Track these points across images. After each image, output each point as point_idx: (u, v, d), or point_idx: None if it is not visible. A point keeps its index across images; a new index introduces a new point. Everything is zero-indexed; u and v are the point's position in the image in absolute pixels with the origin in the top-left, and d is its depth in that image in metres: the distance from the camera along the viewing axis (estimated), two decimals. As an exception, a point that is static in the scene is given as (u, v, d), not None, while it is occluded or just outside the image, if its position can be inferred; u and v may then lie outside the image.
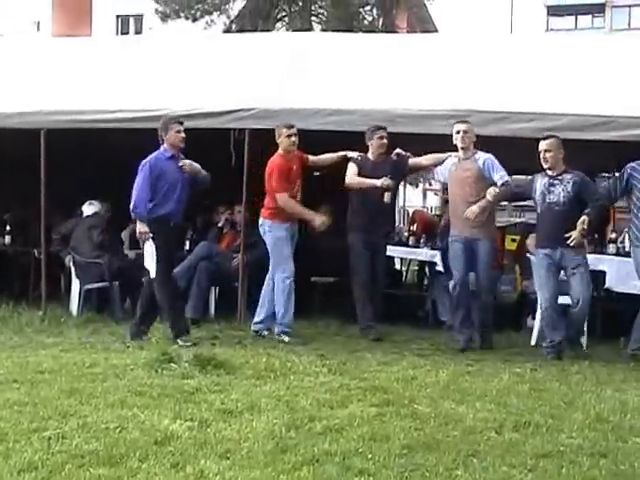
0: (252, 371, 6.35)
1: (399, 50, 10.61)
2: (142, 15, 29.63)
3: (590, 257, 8.08)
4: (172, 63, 10.36)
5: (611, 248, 8.73)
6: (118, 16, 32.07)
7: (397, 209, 17.20)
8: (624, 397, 5.82)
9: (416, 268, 12.25)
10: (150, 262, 7.57)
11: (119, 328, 8.32)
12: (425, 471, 4.14)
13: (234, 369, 6.33)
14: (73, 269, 9.29)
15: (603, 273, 8.28)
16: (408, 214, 22.04)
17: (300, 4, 23.59)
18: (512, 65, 9.54)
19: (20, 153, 8.97)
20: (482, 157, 7.86)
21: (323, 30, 21.80)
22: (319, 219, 8.07)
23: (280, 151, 8.15)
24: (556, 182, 7.51)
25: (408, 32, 24.38)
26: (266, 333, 8.11)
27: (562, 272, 7.59)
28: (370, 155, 8.37)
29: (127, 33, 31.02)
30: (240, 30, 21.10)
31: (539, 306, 7.71)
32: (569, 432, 4.88)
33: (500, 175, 7.76)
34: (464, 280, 7.84)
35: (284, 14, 24.12)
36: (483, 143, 8.06)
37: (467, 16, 39.71)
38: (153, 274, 7.58)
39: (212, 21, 23.70)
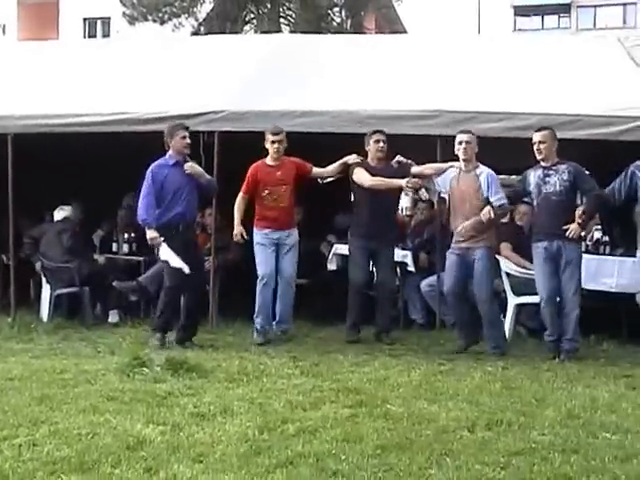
0: (224, 374, 6.34)
1: (368, 51, 10.67)
2: (109, 18, 29.43)
3: None
4: (140, 66, 10.34)
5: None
6: (85, 19, 31.81)
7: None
8: (594, 393, 5.87)
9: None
10: (176, 261, 7.53)
11: (90, 334, 8.28)
12: (399, 471, 4.16)
13: (206, 372, 6.32)
14: (43, 274, 9.21)
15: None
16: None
17: (268, 6, 23.55)
18: (480, 65, 9.63)
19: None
20: (484, 172, 7.69)
21: (292, 32, 21.80)
22: (236, 231, 8.04)
23: (267, 159, 8.20)
24: (551, 172, 7.45)
25: (377, 33, 24.44)
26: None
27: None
28: (370, 161, 8.22)
29: (94, 36, 30.82)
30: (208, 33, 21.05)
31: (542, 300, 7.48)
32: (541, 429, 4.92)
33: (498, 197, 7.62)
34: (454, 290, 7.68)
35: (252, 16, 24.08)
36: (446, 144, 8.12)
37: (435, 17, 40.00)
38: (186, 269, 7.53)
39: (180, 24, 23.59)
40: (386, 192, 8.02)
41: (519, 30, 45.78)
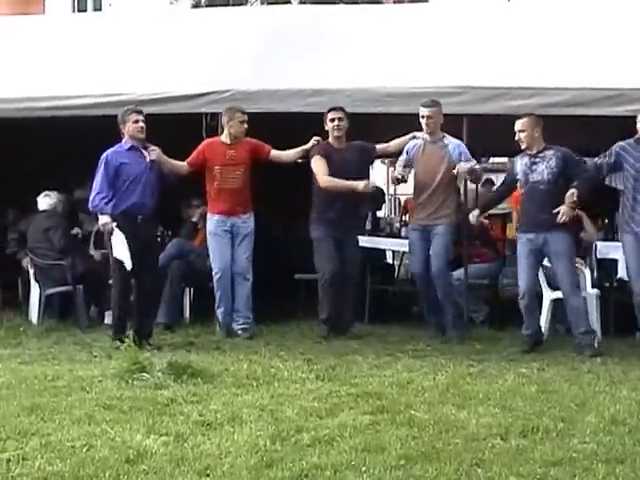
0: (232, 379, 6.35)
1: (385, 23, 10.62)
2: (101, -10, 29.45)
3: (601, 245, 8.11)
4: (136, 42, 10.33)
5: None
6: (74, -8, 31.83)
7: (387, 197, 17.24)
8: (641, 397, 5.84)
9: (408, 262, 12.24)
10: (123, 252, 7.57)
11: (84, 337, 8.31)
12: (425, 483, 4.15)
13: (212, 377, 6.33)
14: (32, 272, 9.23)
15: (615, 262, 8.32)
16: (400, 203, 22.00)
17: (276, -25, 23.50)
18: (509, 36, 9.55)
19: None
20: (452, 143, 8.10)
21: (301, 3, 21.73)
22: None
23: (223, 136, 8.38)
24: (538, 160, 7.69)
25: (395, 2, 24.31)
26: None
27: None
28: (331, 141, 8.36)
29: (84, 11, 30.74)
30: (210, 5, 21.00)
31: (520, 293, 7.79)
32: (582, 437, 4.88)
33: (470, 164, 8.06)
34: (421, 271, 8.13)
35: (259, -14, 24.04)
36: (478, 122, 8.09)
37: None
38: (129, 264, 7.60)
39: (179, -5, 23.61)
40: (347, 175, 8.14)
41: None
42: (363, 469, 4.31)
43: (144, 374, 6.30)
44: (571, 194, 7.48)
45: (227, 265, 8.32)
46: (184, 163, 8.38)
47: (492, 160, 21.58)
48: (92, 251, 9.58)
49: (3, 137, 8.74)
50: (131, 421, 5.15)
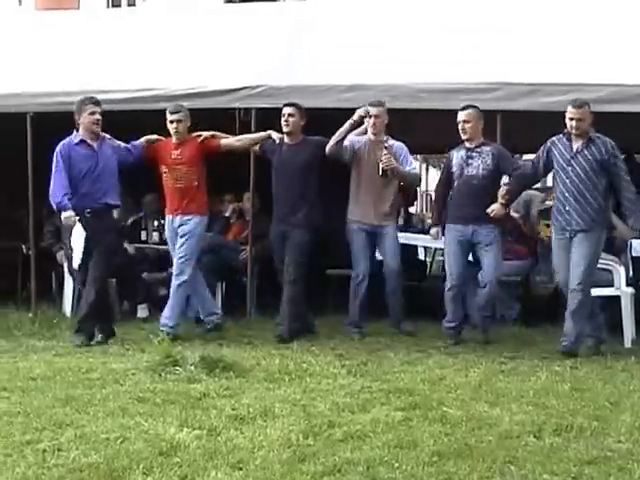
0: (264, 373, 6.37)
1: (420, 16, 10.55)
2: (135, -15, 29.58)
3: (636, 243, 8.06)
4: (170, 38, 10.34)
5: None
6: (109, -14, 32.01)
7: (420, 194, 17.14)
8: (677, 396, 5.79)
9: (441, 258, 12.20)
10: (77, 249, 7.69)
11: (117, 329, 8.32)
12: (458, 480, 4.14)
13: (244, 371, 6.36)
14: (66, 265, 9.28)
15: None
16: (431, 199, 21.87)
17: (307, -31, 23.45)
18: (546, 32, 9.45)
19: (2, 140, 8.95)
20: (395, 144, 8.20)
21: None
22: None
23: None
24: (474, 154, 7.84)
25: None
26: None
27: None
28: (286, 135, 8.30)
29: (119, 5, 30.88)
30: (243, 0, 21.01)
31: (447, 284, 7.97)
32: (616, 436, 4.86)
33: (411, 168, 8.42)
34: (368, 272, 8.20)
35: (290, -20, 24.00)
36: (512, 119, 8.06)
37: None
38: (76, 262, 7.72)
39: (212, -10, 23.58)
40: (295, 170, 8.12)
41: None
42: (396, 465, 4.31)
43: (177, 368, 6.35)
44: (502, 192, 7.68)
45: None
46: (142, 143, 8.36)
47: (524, 158, 21.41)
48: (125, 245, 9.60)
49: (40, 131, 8.80)
50: (164, 414, 5.18)
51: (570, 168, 7.38)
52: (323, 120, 8.17)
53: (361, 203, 8.21)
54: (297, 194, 8.12)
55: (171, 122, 8.15)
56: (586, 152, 7.37)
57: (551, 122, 7.74)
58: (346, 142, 8.15)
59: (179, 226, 8.18)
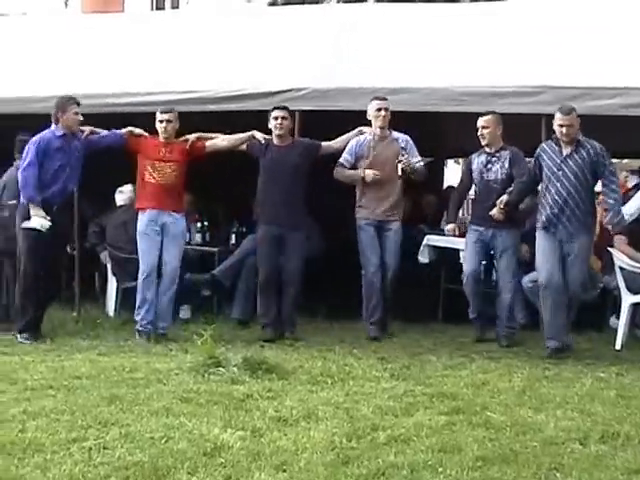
0: (307, 376, 6.38)
1: (463, 21, 10.52)
2: (179, -11, 29.75)
3: None
4: (213, 40, 10.39)
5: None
6: (153, -10, 32.24)
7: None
8: None
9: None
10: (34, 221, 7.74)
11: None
12: (503, 486, 4.11)
13: (287, 374, 6.37)
14: (109, 266, 9.35)
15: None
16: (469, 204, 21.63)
17: (351, -27, 23.46)
18: (589, 33, 9.37)
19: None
20: (400, 137, 8.23)
21: (377, 1, 21.66)
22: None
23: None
24: (494, 159, 7.97)
25: (472, 1, 24.11)
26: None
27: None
28: (274, 138, 8.33)
29: (162, 9, 31.07)
30: (287, 3, 21.05)
31: (464, 277, 8.12)
32: (664, 445, 4.80)
33: (417, 160, 8.25)
34: (376, 270, 8.18)
35: (334, -16, 24.01)
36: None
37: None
38: (42, 225, 7.74)
39: (256, -6, 23.65)
40: (287, 172, 8.14)
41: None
42: (440, 469, 4.29)
43: (220, 369, 6.37)
44: (501, 201, 7.79)
45: (155, 266, 8.22)
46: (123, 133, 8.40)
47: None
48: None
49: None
50: (208, 415, 5.20)
51: (561, 172, 7.48)
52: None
53: (367, 199, 8.23)
54: (290, 195, 8.16)
55: (160, 122, 8.22)
56: (576, 156, 7.49)
57: (596, 125, 7.68)
58: (349, 156, 8.25)
59: (164, 223, 8.18)
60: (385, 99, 8.16)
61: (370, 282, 8.19)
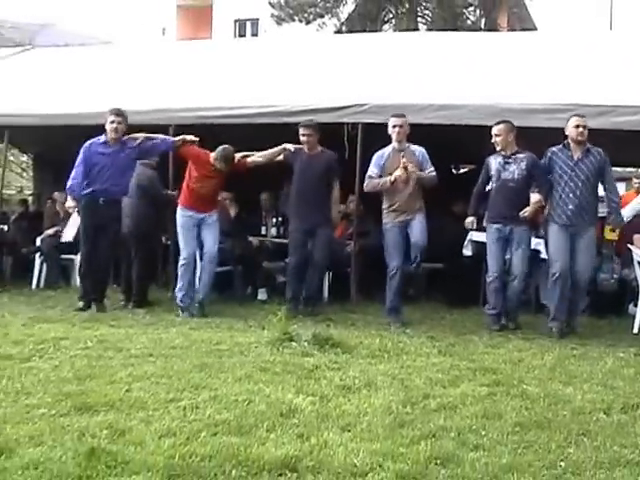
0: (367, 351, 6.34)
1: (501, 47, 10.46)
2: (258, 19, 29.84)
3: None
4: (287, 63, 10.47)
5: None
6: (236, 20, 32.42)
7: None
8: None
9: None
10: (70, 230, 7.85)
11: (241, 309, 8.43)
12: (538, 448, 4.05)
13: (350, 348, 6.34)
14: (198, 253, 9.41)
15: None
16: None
17: (406, 6, 23.37)
18: (613, 60, 9.27)
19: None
20: (417, 149, 7.95)
21: (428, 30, 21.57)
22: None
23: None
24: (510, 161, 7.71)
25: (508, 31, 23.92)
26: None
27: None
28: (305, 148, 8.26)
29: (244, 36, 31.30)
30: (350, 31, 21.06)
31: (490, 276, 7.78)
32: (678, 414, 4.70)
33: (430, 170, 7.91)
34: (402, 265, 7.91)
35: (391, 16, 23.93)
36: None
37: (566, 15, 38.63)
38: (66, 237, 7.89)
39: (324, 24, 23.65)
40: (314, 176, 8.10)
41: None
42: (483, 433, 4.25)
43: (292, 343, 6.38)
44: (538, 200, 7.59)
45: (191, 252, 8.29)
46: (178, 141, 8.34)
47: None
48: (251, 238, 9.68)
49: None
50: (283, 382, 5.21)
51: (574, 174, 7.42)
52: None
53: (393, 206, 7.92)
54: (317, 196, 8.14)
55: (215, 159, 8.15)
56: (586, 160, 7.43)
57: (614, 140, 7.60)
58: (375, 168, 7.96)
59: (200, 218, 8.23)
60: (402, 116, 7.92)
61: (390, 278, 7.91)
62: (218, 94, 9.57)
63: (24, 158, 16.84)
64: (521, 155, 7.71)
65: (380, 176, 7.92)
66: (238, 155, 8.30)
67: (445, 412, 4.63)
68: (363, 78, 9.43)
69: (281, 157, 8.43)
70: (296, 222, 8.35)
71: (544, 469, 3.78)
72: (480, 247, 8.95)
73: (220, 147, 8.12)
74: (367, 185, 8.03)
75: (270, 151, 8.41)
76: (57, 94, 10.14)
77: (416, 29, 21.15)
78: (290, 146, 8.28)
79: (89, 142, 8.20)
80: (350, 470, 3.70)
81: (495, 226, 7.77)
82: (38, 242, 10.44)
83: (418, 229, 7.82)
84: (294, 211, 8.42)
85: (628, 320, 8.05)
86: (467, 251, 9.10)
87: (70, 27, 26.84)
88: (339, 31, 22.93)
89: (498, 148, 7.75)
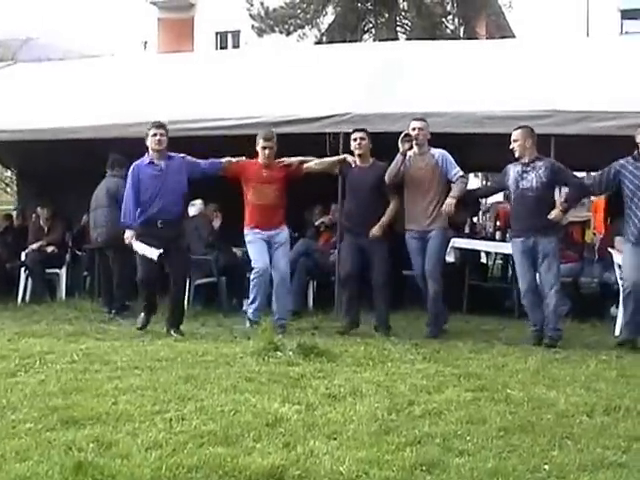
0: (352, 359, 6.35)
1: (480, 55, 10.52)
2: (239, 31, 29.85)
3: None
4: (269, 74, 10.48)
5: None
6: (217, 33, 32.45)
7: (484, 206, 16.99)
8: None
9: (500, 261, 12.10)
10: (145, 250, 7.56)
11: (226, 320, 8.43)
12: (522, 452, 4.07)
13: (335, 357, 6.34)
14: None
15: None
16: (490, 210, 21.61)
17: (386, 16, 23.43)
18: (590, 67, 9.36)
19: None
20: (437, 153, 7.79)
21: (408, 39, 21.64)
22: None
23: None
24: (529, 169, 7.39)
25: (487, 39, 24.05)
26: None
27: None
28: (357, 159, 8.01)
29: (225, 48, 31.31)
30: (330, 42, 21.12)
31: (521, 292, 7.50)
32: (660, 415, 4.73)
33: (455, 172, 7.73)
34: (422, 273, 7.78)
35: (371, 26, 23.98)
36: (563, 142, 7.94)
37: (543, 23, 38.81)
38: (154, 254, 7.52)
39: (304, 34, 23.63)
40: (366, 189, 7.81)
41: (626, 33, 44.13)
42: (468, 438, 4.27)
43: (278, 353, 6.38)
44: (564, 200, 7.41)
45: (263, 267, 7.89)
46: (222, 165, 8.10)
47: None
48: (235, 249, 9.67)
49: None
50: (269, 392, 5.20)
51: None
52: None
53: (412, 211, 7.82)
54: (370, 210, 7.84)
55: (264, 148, 7.94)
56: None
57: (597, 145, 7.64)
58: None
59: (269, 235, 7.95)
60: (422, 120, 7.80)
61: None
62: (200, 106, 9.55)
63: (8, 173, 16.77)
64: (540, 162, 7.39)
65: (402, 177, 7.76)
66: (295, 160, 8.09)
67: (430, 418, 4.65)
68: (344, 88, 9.45)
69: (335, 169, 8.15)
70: (346, 237, 8.08)
71: (528, 473, 3.80)
72: (463, 254, 9.00)
73: None
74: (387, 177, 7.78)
75: (328, 160, 8.17)
76: (40, 109, 10.10)
77: (396, 38, 21.18)
78: (350, 158, 8.02)
79: (135, 165, 7.77)
80: (336, 478, 3.71)
81: (518, 240, 7.45)
82: (23, 257, 10.43)
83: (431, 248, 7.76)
84: (346, 226, 8.14)
85: (610, 323, 8.07)
86: (450, 257, 9.10)
87: (52, 41, 26.83)
88: (319, 42, 22.96)
89: (516, 155, 7.45)
